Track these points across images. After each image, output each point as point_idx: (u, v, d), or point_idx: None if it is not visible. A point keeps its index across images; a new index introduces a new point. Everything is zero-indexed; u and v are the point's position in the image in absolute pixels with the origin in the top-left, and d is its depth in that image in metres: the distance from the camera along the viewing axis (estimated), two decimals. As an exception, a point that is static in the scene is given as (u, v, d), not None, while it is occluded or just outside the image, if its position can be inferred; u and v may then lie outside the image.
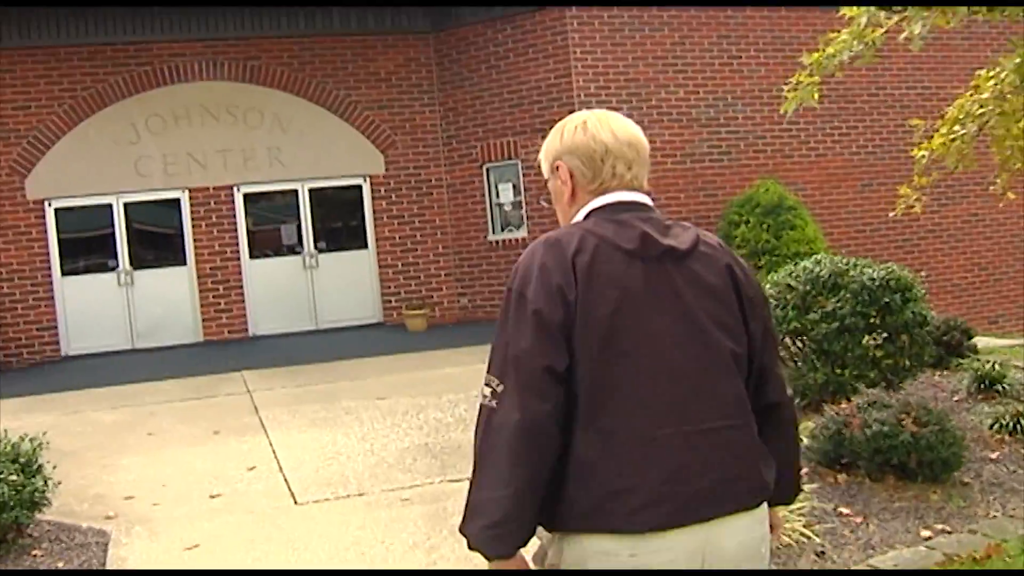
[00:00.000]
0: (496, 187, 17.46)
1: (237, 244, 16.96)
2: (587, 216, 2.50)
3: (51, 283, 16.37)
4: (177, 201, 16.74)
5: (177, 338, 16.87)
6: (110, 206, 16.51)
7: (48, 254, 16.31)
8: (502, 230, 17.64)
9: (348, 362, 13.68)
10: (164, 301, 16.65)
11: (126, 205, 16.54)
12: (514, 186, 17.44)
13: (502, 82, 17.43)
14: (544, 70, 17.06)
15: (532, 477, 2.30)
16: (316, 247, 17.34)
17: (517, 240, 17.42)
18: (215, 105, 16.81)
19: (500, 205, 17.58)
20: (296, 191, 17.19)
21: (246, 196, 17.06)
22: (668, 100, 17.36)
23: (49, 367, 15.92)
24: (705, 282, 2.43)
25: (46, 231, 16.29)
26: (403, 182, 17.74)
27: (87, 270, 16.52)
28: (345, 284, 17.25)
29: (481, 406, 2.39)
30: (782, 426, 2.60)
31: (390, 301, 17.67)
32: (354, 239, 17.60)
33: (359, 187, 17.54)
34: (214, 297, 17.04)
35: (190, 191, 16.74)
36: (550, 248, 2.40)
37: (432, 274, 17.74)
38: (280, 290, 17.10)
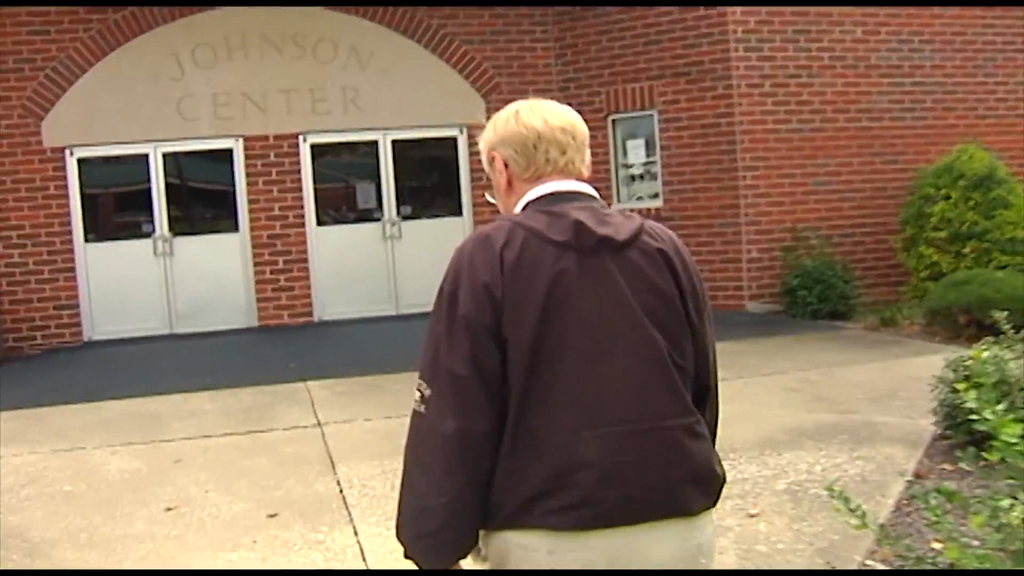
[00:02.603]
0: (624, 145, 14.47)
1: (302, 207, 14.08)
2: (524, 208, 2.40)
3: (72, 251, 13.70)
4: (229, 152, 13.98)
5: (225, 322, 13.88)
6: (146, 157, 13.84)
7: (69, 215, 13.65)
8: (630, 198, 14.44)
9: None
10: (210, 276, 13.96)
11: (165, 156, 13.89)
12: (647, 143, 14.22)
13: (635, 13, 14.02)
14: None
15: (467, 486, 2.24)
16: (399, 213, 14.45)
17: (650, 211, 14.01)
18: (278, 33, 13.94)
19: (628, 167, 14.48)
20: (376, 143, 14.25)
21: (314, 148, 14.15)
22: (842, 41, 13.99)
23: (66, 356, 12.92)
24: (644, 274, 2.33)
25: (67, 186, 13.63)
26: None
27: (116, 236, 13.96)
28: (433, 258, 13.49)
29: (413, 411, 2.31)
30: (709, 419, 2.50)
31: None
32: (446, 203, 14.77)
33: (453, 139, 14.56)
34: (272, 272, 13.94)
35: (245, 140, 13.95)
36: (479, 244, 2.30)
37: None
38: (354, 265, 14.23)
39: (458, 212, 14.56)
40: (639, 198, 14.29)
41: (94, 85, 13.53)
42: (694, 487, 2.33)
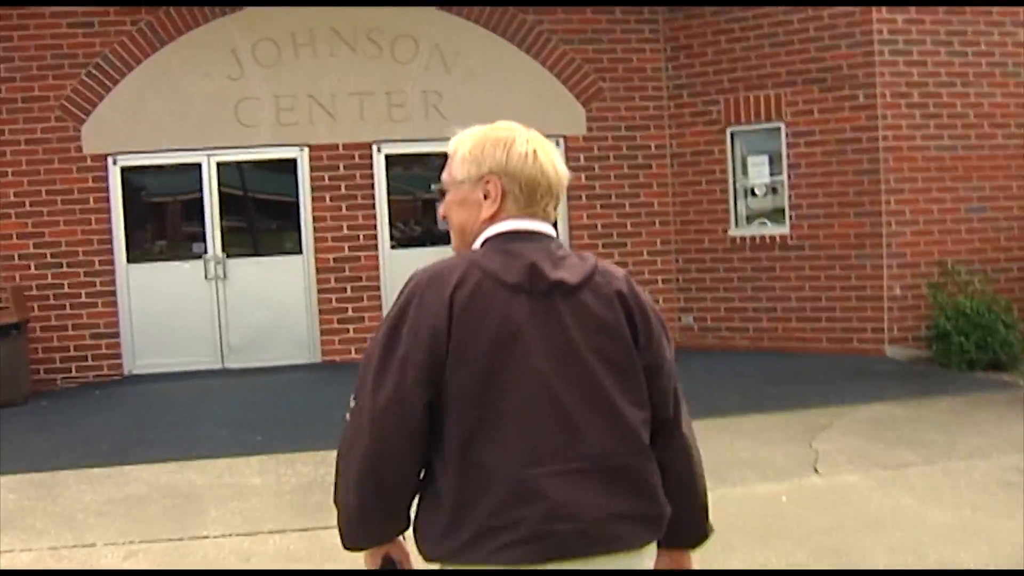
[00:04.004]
0: (744, 161, 12.59)
1: (374, 226, 12.42)
2: (484, 243, 2.44)
3: (113, 272, 12.13)
4: (292, 163, 12.38)
5: (283, 356, 12.27)
6: (198, 167, 12.29)
7: (110, 232, 12.10)
8: (750, 222, 12.59)
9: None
10: (268, 303, 12.36)
11: (220, 166, 12.34)
12: (772, 160, 12.36)
13: (761, 11, 12.26)
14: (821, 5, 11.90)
15: (375, 495, 2.37)
16: None
17: (773, 239, 12.23)
18: (351, 28, 12.29)
19: (750, 187, 12.60)
20: (448, 156, 11.89)
21: (389, 159, 12.51)
22: (1002, 45, 12.08)
23: (101, 394, 11.35)
24: (595, 316, 2.37)
25: (108, 199, 12.07)
26: (611, 148, 12.82)
27: (163, 256, 12.51)
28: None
29: (345, 417, 2.42)
30: (676, 453, 2.51)
31: None
32: None
33: None
34: (338, 300, 12.35)
35: (311, 149, 12.32)
36: (431, 281, 2.35)
37: (646, 279, 12.68)
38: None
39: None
40: (762, 223, 12.41)
41: (141, 85, 11.93)
42: (641, 523, 2.38)
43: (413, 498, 2.41)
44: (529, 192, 2.45)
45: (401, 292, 2.38)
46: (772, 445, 7.88)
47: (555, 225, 2.52)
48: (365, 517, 2.41)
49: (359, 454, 2.34)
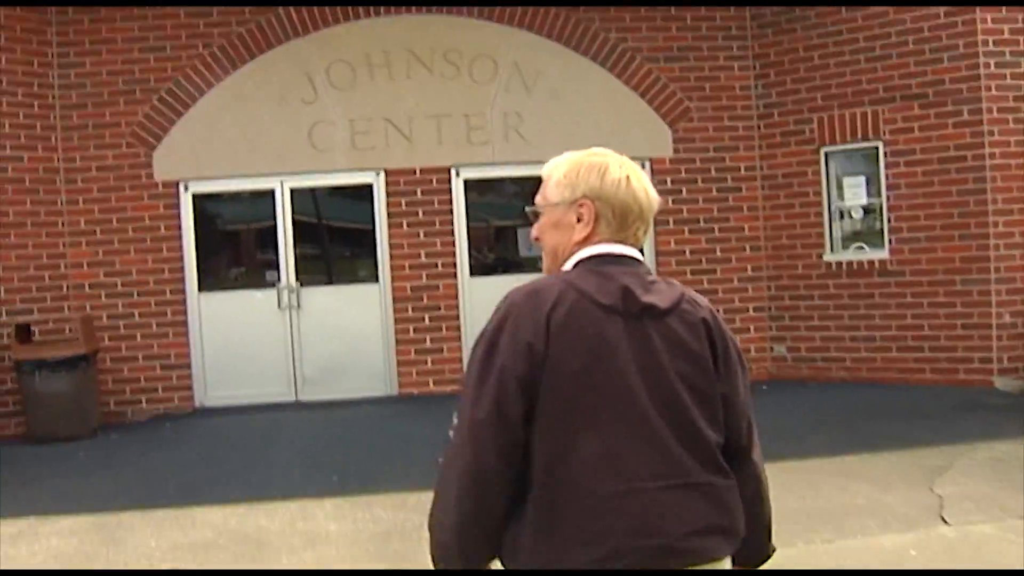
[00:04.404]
0: (840, 182, 11.97)
1: (453, 254, 11.96)
2: (575, 264, 2.54)
3: (184, 302, 11.82)
4: (368, 188, 11.97)
5: (359, 389, 11.86)
6: (272, 193, 11.97)
7: (182, 260, 11.81)
8: (846, 247, 11.97)
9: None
10: (344, 334, 11.94)
11: (294, 192, 12.00)
12: (869, 181, 11.75)
13: (855, 22, 11.62)
14: (928, 4, 11.22)
15: (474, 514, 2.39)
16: None
17: (872, 264, 11.63)
18: (428, 49, 11.88)
19: (846, 210, 11.96)
20: (542, 179, 11.42)
21: (468, 183, 12.10)
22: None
23: (172, 427, 11.04)
24: (681, 341, 2.47)
25: (180, 227, 11.79)
26: (698, 170, 12.27)
27: (235, 285, 12.27)
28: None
29: (450, 434, 2.47)
30: (748, 479, 2.58)
31: None
32: None
33: None
34: (416, 331, 11.92)
35: (387, 173, 11.90)
36: (528, 299, 2.43)
37: (736, 307, 12.15)
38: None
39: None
40: (859, 247, 11.78)
41: (213, 110, 11.63)
42: (721, 536, 2.45)
43: (507, 518, 2.42)
44: (621, 217, 2.53)
45: (497, 310, 2.46)
46: (890, 489, 7.26)
47: (642, 251, 2.59)
48: (464, 536, 2.41)
49: (459, 471, 2.38)
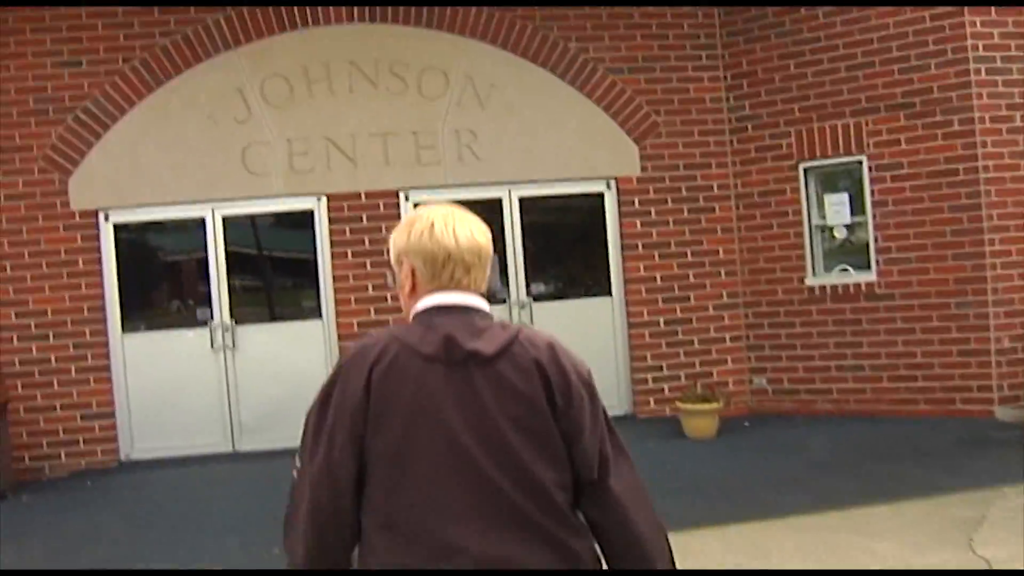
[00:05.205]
0: (821, 200, 11.29)
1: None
2: (413, 317, 2.66)
3: (106, 344, 10.90)
4: (309, 215, 11.18)
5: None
6: (202, 222, 11.13)
7: (103, 297, 10.87)
8: (829, 270, 11.24)
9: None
10: (284, 377, 10.89)
11: (226, 221, 11.15)
12: (852, 198, 11.07)
13: (834, 28, 10.93)
14: (912, 9, 10.58)
15: (319, 550, 2.55)
16: (529, 291, 11.55)
17: (858, 287, 10.90)
18: (372, 60, 11.05)
19: (827, 229, 11.29)
20: (499, 201, 11.35)
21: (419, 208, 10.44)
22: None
23: (94, 485, 10.03)
24: (511, 384, 2.53)
25: (100, 260, 10.90)
26: (668, 190, 11.51)
27: (163, 324, 11.32)
28: (576, 350, 10.55)
29: (292, 475, 2.61)
30: (605, 509, 2.63)
31: (644, 381, 11.30)
32: (587, 279, 11.82)
33: (599, 197, 11.57)
34: (364, 371, 10.51)
35: (329, 199, 11.10)
36: (357, 354, 2.58)
37: (711, 337, 11.43)
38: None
39: (606, 290, 11.39)
40: (843, 269, 11.00)
41: (135, 130, 10.73)
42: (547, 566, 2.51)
43: (352, 550, 2.58)
44: (431, 265, 2.61)
45: (333, 367, 2.62)
46: (924, 551, 6.33)
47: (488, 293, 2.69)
48: (314, 564, 2.56)
49: (303, 511, 2.53)
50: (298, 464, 2.56)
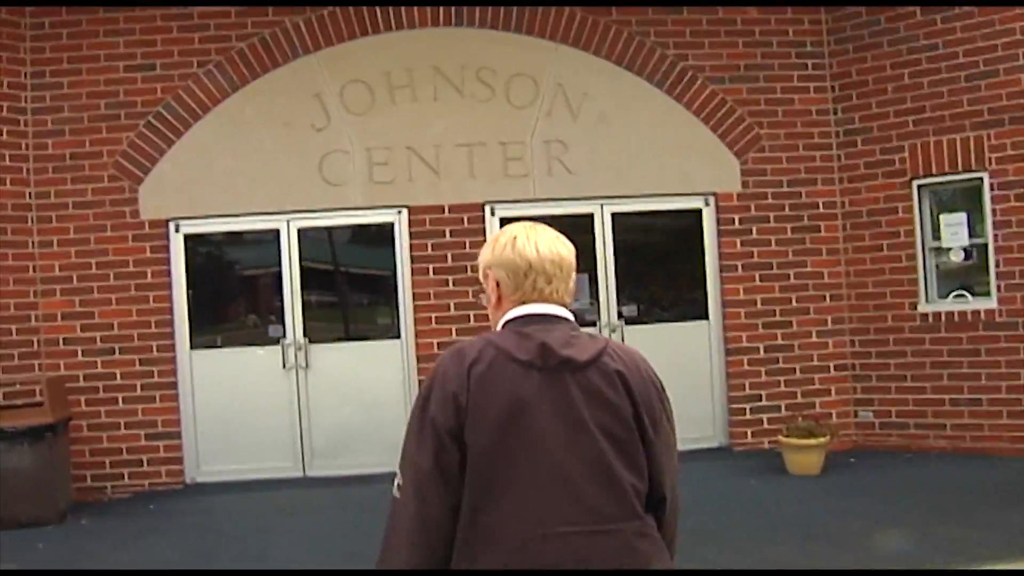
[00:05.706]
0: (937, 220, 10.54)
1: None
2: (503, 326, 2.75)
3: (174, 361, 10.46)
4: (388, 228, 10.69)
5: (377, 463, 9.96)
6: (276, 234, 10.70)
7: (172, 312, 10.47)
8: (945, 296, 10.49)
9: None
10: (359, 398, 10.58)
11: (301, 233, 10.70)
12: (971, 218, 10.33)
13: (954, 33, 10.26)
14: None
15: (424, 557, 2.56)
16: (620, 315, 10.93)
17: (976, 315, 10.16)
18: (457, 67, 10.58)
19: (943, 251, 10.50)
20: (590, 217, 10.77)
21: (505, 223, 9.76)
22: None
23: (157, 509, 9.55)
24: (600, 391, 2.62)
25: (169, 273, 10.49)
26: (770, 207, 10.84)
27: (234, 341, 10.84)
28: (672, 376, 9.76)
29: (392, 495, 2.64)
30: (664, 523, 2.75)
31: (742, 411, 10.74)
32: (682, 302, 11.14)
33: (696, 214, 10.95)
34: (444, 394, 9.95)
35: (410, 212, 10.59)
36: (454, 358, 2.65)
37: (814, 366, 10.77)
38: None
39: (702, 314, 10.71)
40: (960, 295, 10.21)
41: (209, 137, 10.35)
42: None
43: (451, 550, 2.57)
44: (513, 276, 2.74)
45: (431, 372, 2.66)
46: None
47: (567, 306, 2.76)
48: (414, 566, 2.54)
49: (408, 517, 2.55)
50: (397, 480, 2.60)
